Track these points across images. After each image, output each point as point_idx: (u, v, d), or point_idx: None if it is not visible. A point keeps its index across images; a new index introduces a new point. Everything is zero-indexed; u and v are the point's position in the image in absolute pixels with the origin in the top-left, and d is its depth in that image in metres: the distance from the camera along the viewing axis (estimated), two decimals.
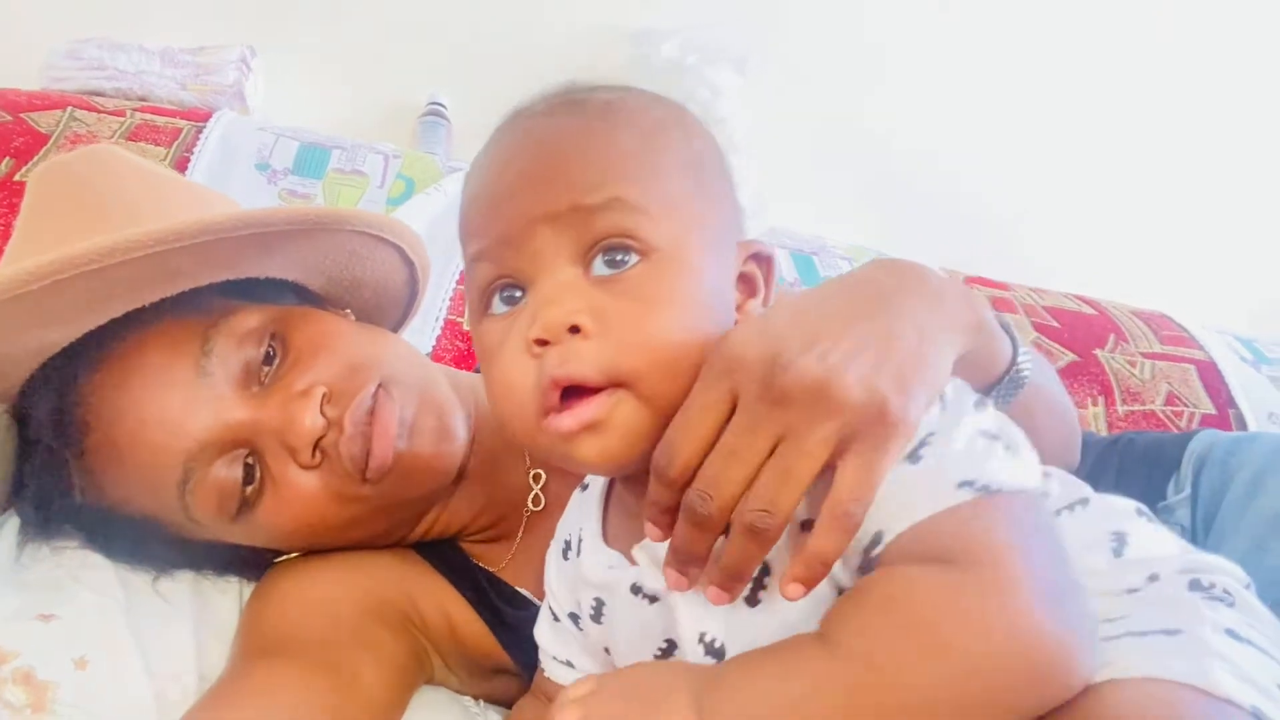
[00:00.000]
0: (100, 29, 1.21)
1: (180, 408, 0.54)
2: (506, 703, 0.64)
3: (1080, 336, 1.23)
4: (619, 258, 0.42)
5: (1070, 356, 1.20)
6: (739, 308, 0.46)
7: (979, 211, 1.63)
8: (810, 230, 1.33)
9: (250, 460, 0.56)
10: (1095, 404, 1.17)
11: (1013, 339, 0.52)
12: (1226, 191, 1.77)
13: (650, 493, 0.41)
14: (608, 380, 0.41)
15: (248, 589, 0.64)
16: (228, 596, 0.63)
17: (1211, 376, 1.21)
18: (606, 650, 0.50)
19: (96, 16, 1.23)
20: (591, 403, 0.41)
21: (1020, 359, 0.52)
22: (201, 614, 0.60)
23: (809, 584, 0.38)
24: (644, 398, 0.41)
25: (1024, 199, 1.68)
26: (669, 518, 0.41)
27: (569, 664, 0.53)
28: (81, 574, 0.57)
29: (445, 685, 0.64)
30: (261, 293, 0.61)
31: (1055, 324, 1.24)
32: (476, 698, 0.65)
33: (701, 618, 0.44)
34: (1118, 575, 0.43)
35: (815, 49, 1.63)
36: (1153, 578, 0.43)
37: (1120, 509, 0.48)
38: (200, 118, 1.13)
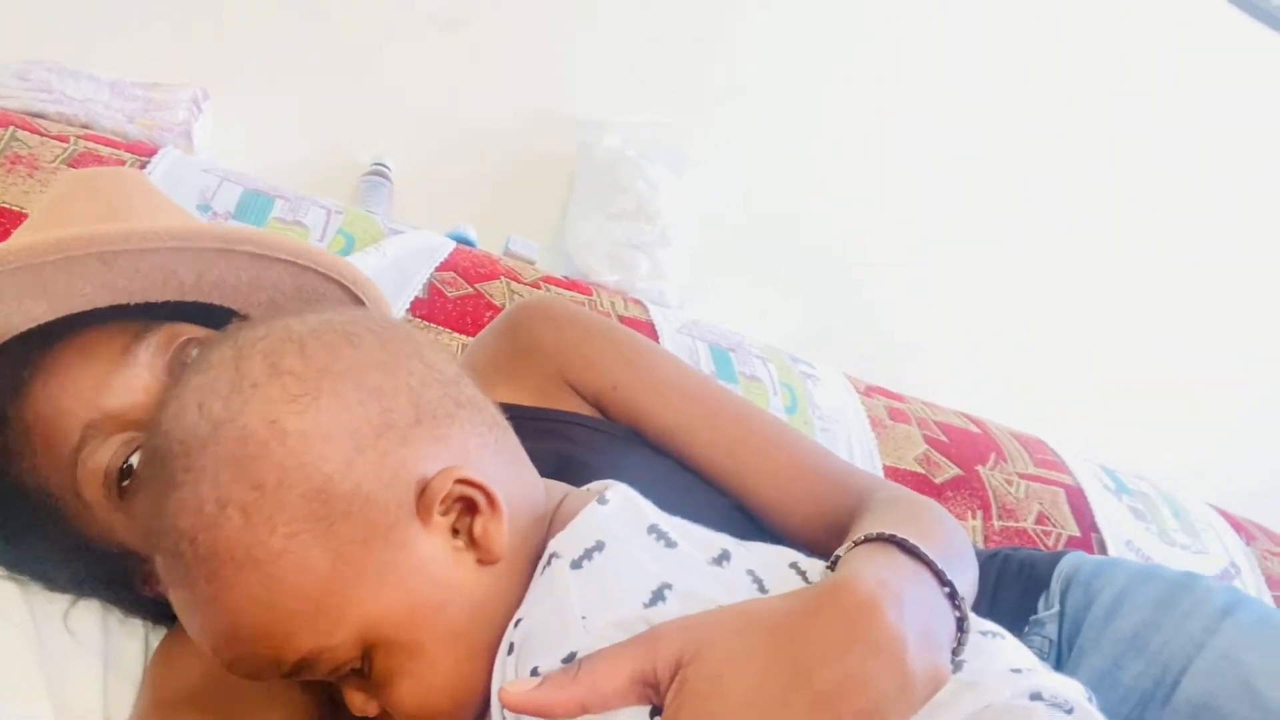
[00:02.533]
0: (59, 55, 1.20)
1: (95, 378, 0.55)
2: None
3: (965, 453, 1.32)
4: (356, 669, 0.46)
5: (955, 470, 1.28)
6: (471, 539, 0.47)
7: (884, 326, 1.75)
8: (729, 326, 1.40)
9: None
10: (974, 518, 1.25)
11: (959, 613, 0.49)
12: (1099, 335, 1.95)
13: None
14: None
15: (155, 635, 0.63)
16: (135, 640, 0.63)
17: (1078, 501, 1.32)
18: None
19: (56, 43, 1.23)
20: None
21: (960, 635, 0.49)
22: (109, 655, 0.59)
23: None
24: None
25: (924, 321, 1.81)
26: None
27: None
28: None
29: None
30: (216, 322, 0.62)
31: (944, 438, 1.33)
32: None
33: None
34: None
35: (749, 155, 1.74)
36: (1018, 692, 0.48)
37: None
38: (145, 152, 1.13)
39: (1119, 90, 2.16)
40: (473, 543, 0.47)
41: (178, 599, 0.46)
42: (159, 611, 0.62)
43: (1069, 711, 0.47)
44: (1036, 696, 0.47)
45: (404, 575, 0.45)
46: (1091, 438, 1.62)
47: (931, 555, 0.49)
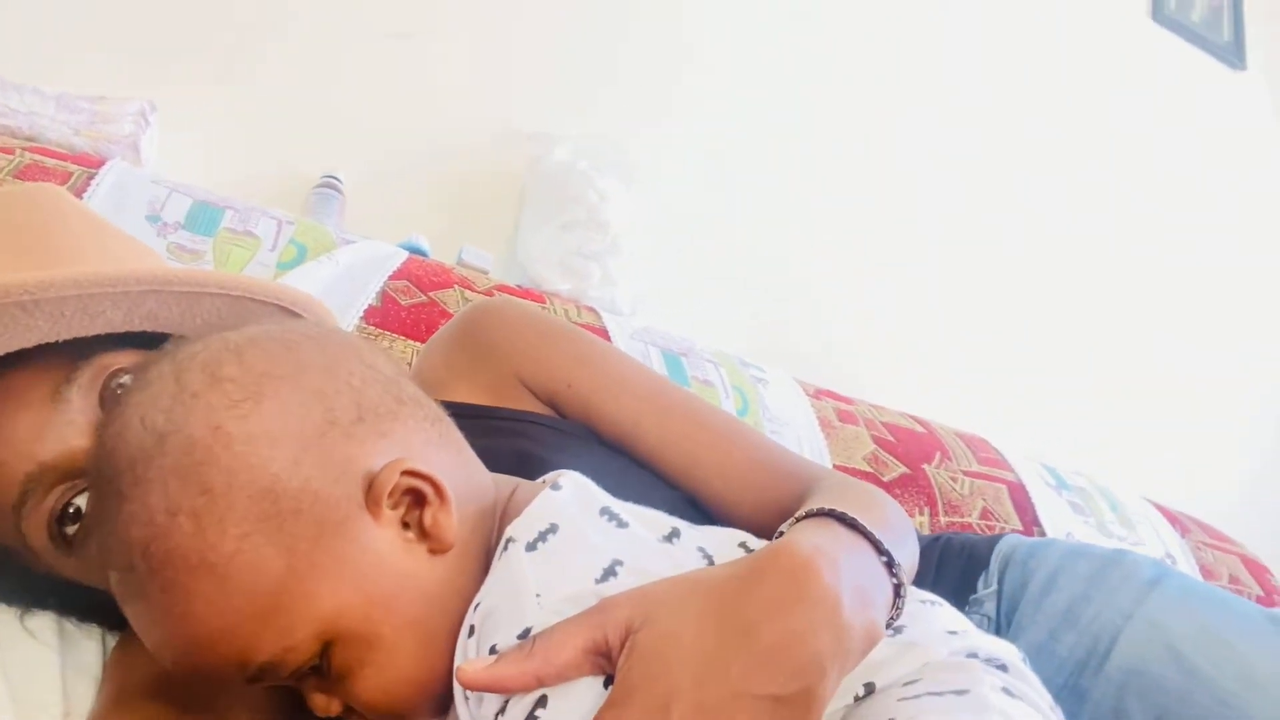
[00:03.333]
0: (2, 69, 1.19)
1: (28, 428, 0.54)
2: None
3: (912, 452, 1.36)
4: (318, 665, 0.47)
5: (902, 469, 1.32)
6: (421, 530, 0.48)
7: (833, 331, 1.78)
8: (681, 332, 1.42)
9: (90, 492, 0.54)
10: (921, 514, 1.29)
11: (896, 581, 0.51)
12: (1037, 338, 2.01)
13: None
14: None
15: (112, 635, 0.63)
16: (92, 640, 0.63)
17: (1020, 497, 1.36)
18: None
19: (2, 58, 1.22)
20: None
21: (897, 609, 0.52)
22: (67, 654, 0.59)
23: None
24: None
25: (871, 327, 1.86)
26: None
27: None
28: None
29: None
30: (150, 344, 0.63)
31: (891, 438, 1.37)
32: None
33: None
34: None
35: (696, 164, 1.77)
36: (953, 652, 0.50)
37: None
38: (92, 164, 1.12)
39: (1034, 96, 2.25)
40: (423, 533, 0.48)
41: (135, 614, 0.46)
42: (116, 617, 0.62)
43: (1003, 668, 0.50)
44: (972, 655, 0.50)
45: (358, 568, 0.46)
46: (1035, 436, 1.67)
47: (870, 528, 0.51)
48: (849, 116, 1.99)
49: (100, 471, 0.46)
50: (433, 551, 0.48)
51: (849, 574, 0.46)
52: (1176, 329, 2.18)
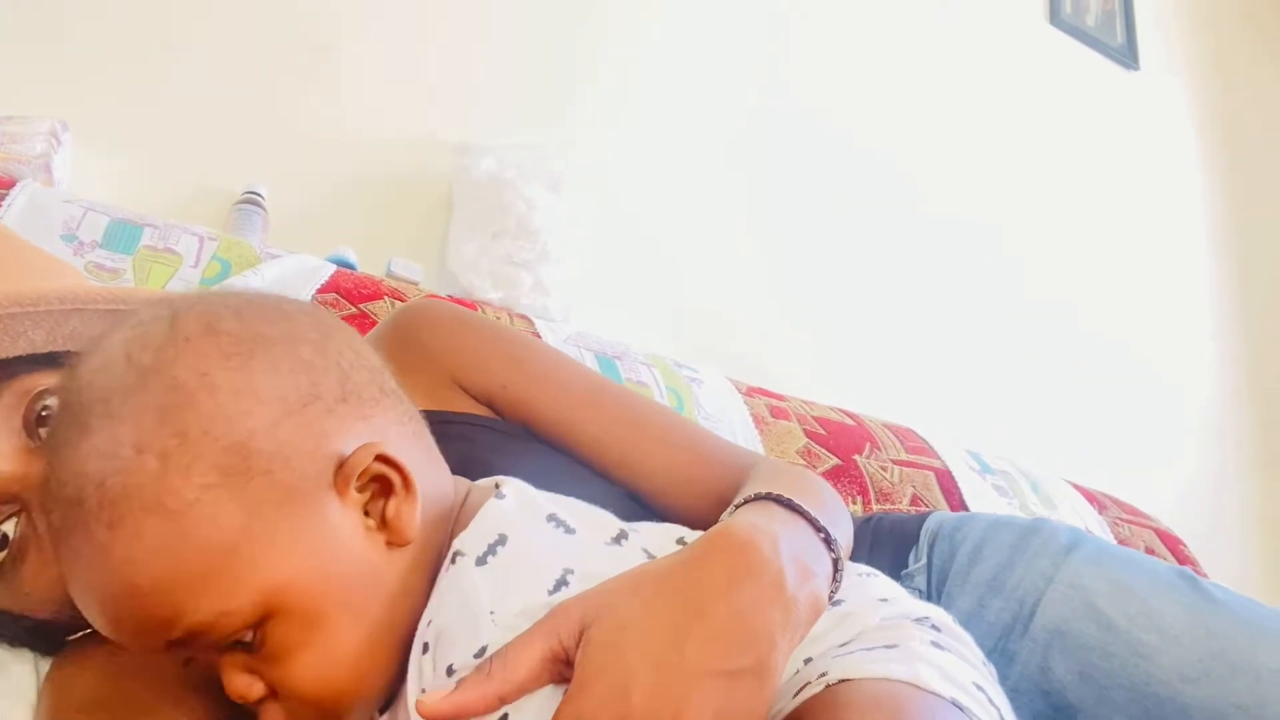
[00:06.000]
0: None
1: None
2: None
3: (843, 444, 1.39)
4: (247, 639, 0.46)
5: (834, 461, 1.35)
6: (383, 520, 0.48)
7: (762, 330, 1.82)
8: (613, 337, 1.44)
9: (17, 519, 0.54)
10: (854, 503, 1.32)
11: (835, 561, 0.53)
12: (957, 330, 2.08)
13: None
14: None
15: (44, 661, 0.62)
16: (24, 664, 0.61)
17: (948, 482, 1.41)
18: None
19: None
20: None
21: (837, 581, 0.53)
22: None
23: None
24: None
25: (800, 324, 1.90)
26: None
27: None
28: None
29: None
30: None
31: (822, 431, 1.40)
32: None
33: None
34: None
35: (624, 170, 1.79)
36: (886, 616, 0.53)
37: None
38: (3, 184, 1.09)
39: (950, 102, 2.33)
40: (384, 524, 0.48)
41: (70, 554, 0.44)
42: (49, 641, 0.61)
43: (935, 628, 0.52)
44: (905, 617, 0.53)
45: (314, 543, 0.45)
46: (961, 425, 1.73)
47: (806, 507, 0.53)
48: (771, 117, 2.03)
49: (68, 403, 0.45)
50: (390, 544, 0.48)
51: (789, 549, 0.48)
52: (1091, 319, 2.28)
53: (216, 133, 1.45)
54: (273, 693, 0.46)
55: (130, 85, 1.40)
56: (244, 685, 0.46)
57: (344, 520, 0.46)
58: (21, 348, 0.55)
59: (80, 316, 0.56)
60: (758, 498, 0.54)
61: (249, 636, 0.45)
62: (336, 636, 0.45)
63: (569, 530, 0.50)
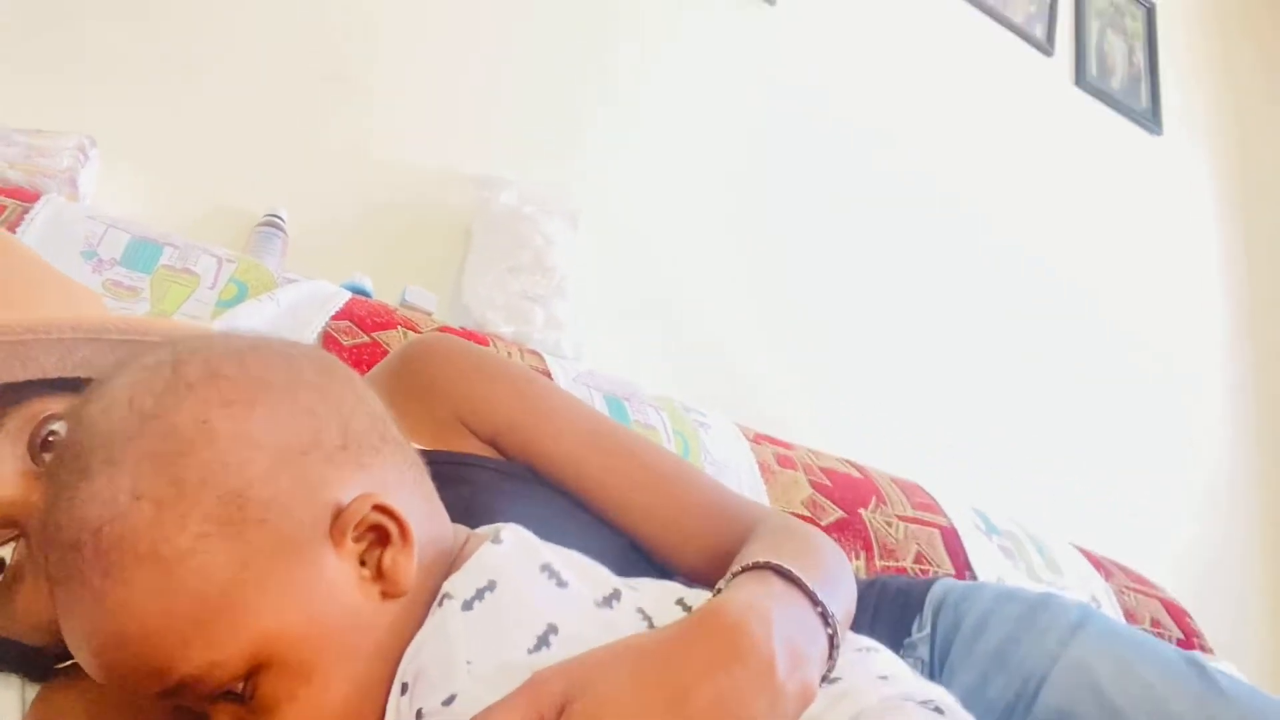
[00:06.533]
0: None
1: None
2: None
3: (848, 496, 1.38)
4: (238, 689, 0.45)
5: (839, 513, 1.34)
6: (379, 570, 0.47)
7: (772, 377, 1.81)
8: (623, 376, 1.44)
9: (15, 544, 0.54)
10: (857, 558, 1.31)
11: (831, 636, 0.52)
12: (970, 387, 2.07)
13: None
14: None
15: (31, 688, 0.61)
16: (11, 690, 0.61)
17: (953, 541, 1.40)
18: None
19: None
20: None
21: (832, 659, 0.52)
22: None
23: None
24: None
25: (813, 373, 1.89)
26: None
27: None
28: None
29: None
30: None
31: (828, 483, 1.39)
32: None
33: None
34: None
35: (640, 210, 1.80)
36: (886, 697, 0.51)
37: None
38: (27, 198, 1.10)
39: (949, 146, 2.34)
40: (379, 574, 0.47)
41: (66, 599, 0.44)
42: (38, 668, 0.60)
43: (938, 710, 0.51)
44: (907, 699, 0.51)
45: (308, 594, 0.45)
46: (967, 481, 1.72)
47: (806, 579, 0.52)
48: (789, 167, 2.04)
49: (69, 444, 0.45)
50: (385, 595, 0.47)
51: (783, 631, 0.47)
52: (1104, 382, 2.27)
53: (241, 154, 1.46)
54: None
55: (160, 104, 1.42)
56: None
57: (339, 571, 0.46)
58: (32, 372, 0.55)
59: (92, 345, 0.57)
60: (757, 566, 0.53)
61: (240, 687, 0.45)
62: (326, 688, 0.45)
63: (561, 583, 0.50)
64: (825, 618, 0.51)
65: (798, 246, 1.97)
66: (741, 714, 0.43)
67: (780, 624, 0.47)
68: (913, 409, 1.94)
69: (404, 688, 0.46)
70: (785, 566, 0.52)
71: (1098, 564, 1.55)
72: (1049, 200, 2.38)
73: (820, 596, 0.52)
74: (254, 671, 0.44)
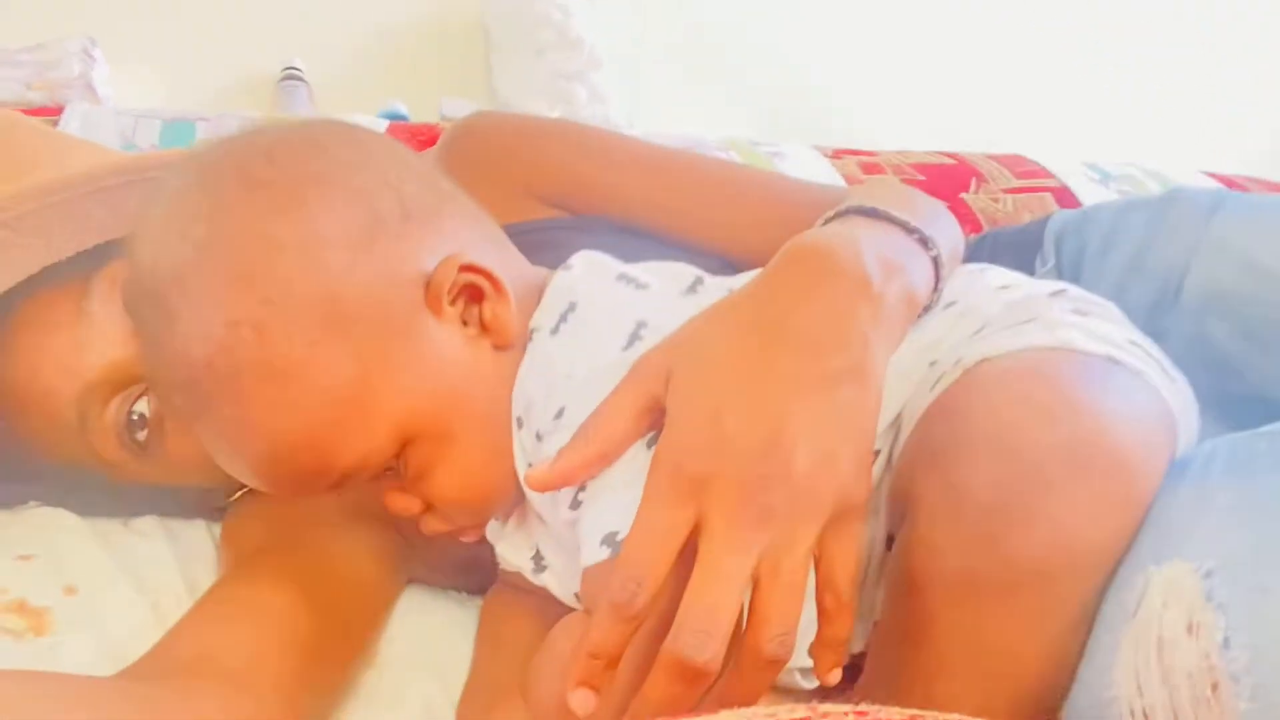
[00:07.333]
0: None
1: (63, 350, 0.54)
2: (480, 592, 0.65)
3: (945, 185, 1.31)
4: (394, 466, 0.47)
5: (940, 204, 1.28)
6: (482, 324, 0.47)
7: (839, 91, 1.71)
8: (681, 130, 1.38)
9: (147, 397, 0.55)
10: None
11: (936, 260, 0.49)
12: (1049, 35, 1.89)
13: (595, 639, 0.37)
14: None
15: (215, 525, 0.65)
16: (197, 530, 0.65)
17: (1067, 199, 1.32)
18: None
19: None
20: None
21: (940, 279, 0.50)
22: (177, 546, 0.61)
23: (841, 663, 0.40)
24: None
25: (877, 77, 1.77)
26: (610, 669, 0.37)
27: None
28: (49, 521, 0.58)
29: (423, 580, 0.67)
30: None
31: (921, 178, 1.33)
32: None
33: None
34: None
35: None
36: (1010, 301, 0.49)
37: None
38: (53, 112, 1.10)
39: None
40: (484, 328, 0.47)
41: (206, 431, 0.45)
42: (212, 507, 0.64)
43: (1063, 294, 0.48)
44: (1031, 298, 0.49)
45: (426, 367, 0.45)
46: (1072, 139, 1.60)
47: (892, 211, 0.49)
48: None
49: (143, 291, 0.45)
50: (496, 346, 0.48)
51: (871, 248, 0.45)
52: None
53: (242, 17, 1.41)
54: (429, 505, 0.48)
55: None
56: (404, 504, 0.48)
57: (447, 336, 0.46)
58: (93, 235, 0.55)
59: (139, 189, 0.56)
60: (838, 214, 0.50)
61: (395, 464, 0.47)
62: (469, 445, 0.46)
63: (640, 286, 0.49)
64: (924, 242, 0.49)
65: None
66: (844, 325, 0.41)
67: (868, 243, 0.45)
68: (999, 74, 1.79)
69: (519, 422, 0.47)
70: (866, 204, 0.49)
71: (1232, 184, 1.44)
72: None
73: (914, 224, 0.49)
74: (404, 447, 0.46)
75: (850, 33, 1.77)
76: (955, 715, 0.29)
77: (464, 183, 0.69)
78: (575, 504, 0.43)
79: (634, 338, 0.45)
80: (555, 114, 1.35)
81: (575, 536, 0.43)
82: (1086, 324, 0.44)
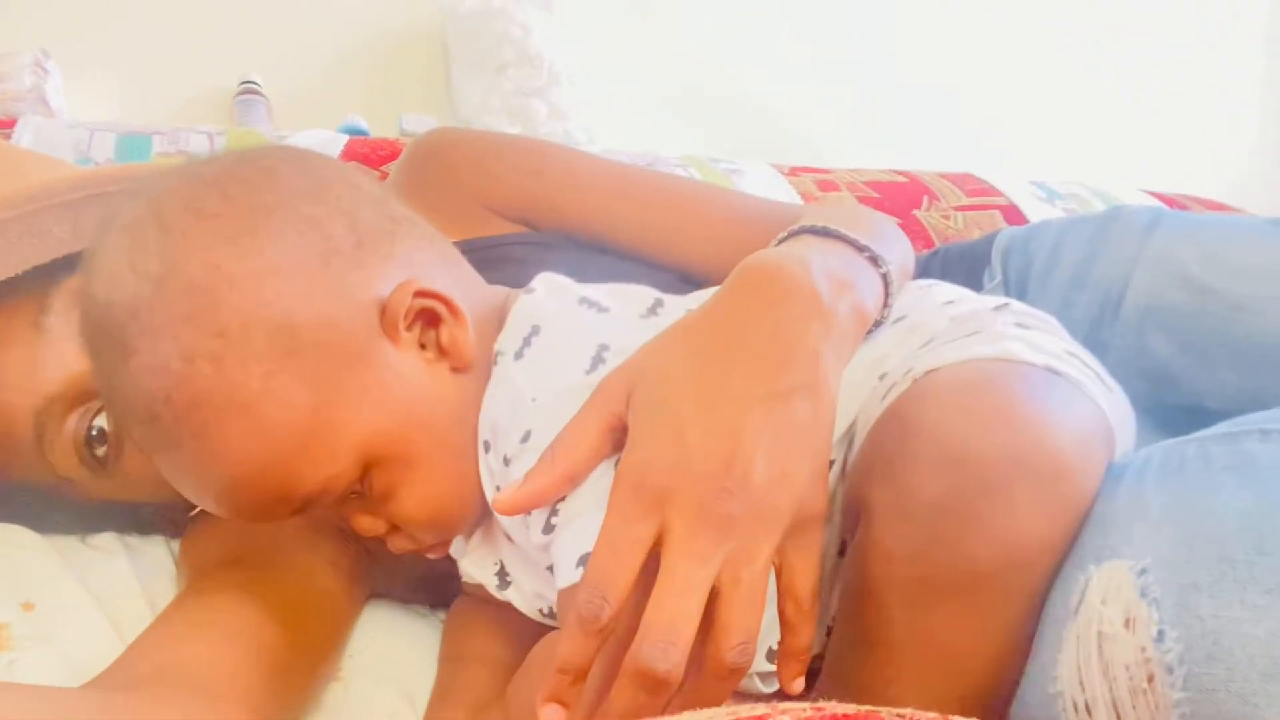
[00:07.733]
0: None
1: (21, 365, 0.53)
2: (444, 606, 0.65)
3: (898, 202, 1.35)
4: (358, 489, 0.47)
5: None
6: (440, 349, 0.48)
7: (792, 110, 1.74)
8: (641, 147, 1.39)
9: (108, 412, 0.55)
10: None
11: (885, 279, 0.51)
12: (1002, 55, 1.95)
13: (564, 654, 0.38)
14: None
15: (174, 542, 0.65)
16: (156, 546, 0.64)
17: (1015, 217, 1.36)
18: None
19: None
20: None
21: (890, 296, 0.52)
22: (134, 560, 0.61)
23: (804, 671, 0.41)
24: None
25: (831, 95, 1.80)
26: (578, 683, 0.38)
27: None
28: (6, 537, 0.58)
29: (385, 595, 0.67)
30: None
31: (875, 195, 1.36)
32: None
33: None
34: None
35: None
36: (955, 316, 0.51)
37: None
38: (6, 126, 1.08)
39: None
40: (442, 352, 0.48)
41: (167, 463, 0.45)
42: (172, 523, 0.63)
43: (1006, 308, 0.50)
44: (975, 313, 0.51)
45: (385, 393, 0.46)
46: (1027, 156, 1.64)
47: (844, 231, 0.51)
48: None
49: (98, 327, 0.45)
50: (454, 369, 0.48)
51: (821, 266, 0.46)
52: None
53: (199, 31, 1.40)
54: (394, 525, 0.49)
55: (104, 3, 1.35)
56: (369, 525, 0.49)
57: (404, 362, 0.47)
58: (52, 249, 0.55)
59: (98, 203, 0.56)
60: (790, 235, 0.52)
61: (359, 487, 0.47)
62: (430, 468, 0.47)
63: (601, 309, 0.50)
64: (875, 260, 0.50)
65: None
66: (796, 342, 0.42)
67: (818, 262, 0.46)
68: (951, 94, 1.83)
69: (486, 445, 0.48)
70: (818, 224, 0.51)
71: (1172, 203, 1.50)
72: None
73: (864, 243, 0.51)
74: (367, 471, 0.46)
75: (806, 54, 1.80)
76: (909, 709, 0.30)
77: (424, 199, 0.71)
78: (549, 528, 0.44)
79: (597, 361, 0.46)
80: (515, 130, 1.36)
81: (549, 558, 0.44)
82: (1028, 336, 0.46)
